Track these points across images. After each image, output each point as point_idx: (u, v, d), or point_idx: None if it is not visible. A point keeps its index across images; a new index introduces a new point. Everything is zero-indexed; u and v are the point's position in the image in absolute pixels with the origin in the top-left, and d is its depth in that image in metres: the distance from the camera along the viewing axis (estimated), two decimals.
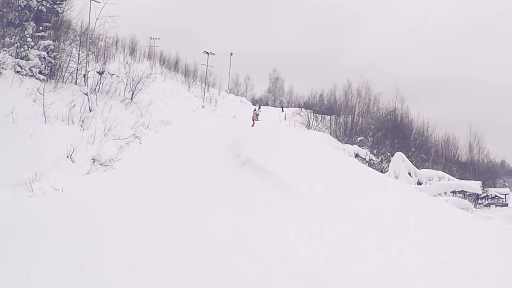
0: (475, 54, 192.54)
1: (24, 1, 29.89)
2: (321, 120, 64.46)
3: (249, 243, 12.32)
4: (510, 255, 13.64)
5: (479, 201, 45.96)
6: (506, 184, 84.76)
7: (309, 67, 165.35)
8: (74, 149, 20.93)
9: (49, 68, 29.28)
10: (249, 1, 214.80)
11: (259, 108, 63.90)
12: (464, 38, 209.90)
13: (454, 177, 48.49)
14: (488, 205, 47.92)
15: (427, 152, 59.08)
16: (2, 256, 10.42)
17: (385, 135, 54.95)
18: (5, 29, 27.73)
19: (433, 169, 48.40)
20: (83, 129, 24.53)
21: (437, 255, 12.64)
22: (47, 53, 28.93)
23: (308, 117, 64.28)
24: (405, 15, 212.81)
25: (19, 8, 29.76)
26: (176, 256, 10.89)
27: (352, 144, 47.40)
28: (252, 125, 50.54)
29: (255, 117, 51.66)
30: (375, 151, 50.01)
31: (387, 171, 40.30)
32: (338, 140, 48.30)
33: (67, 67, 31.32)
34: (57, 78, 29.91)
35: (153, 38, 76.93)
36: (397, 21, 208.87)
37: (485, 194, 48.64)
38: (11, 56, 26.66)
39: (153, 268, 10.04)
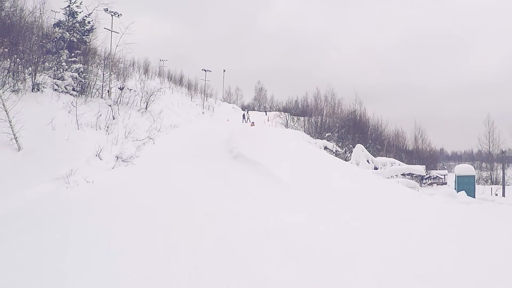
0: (417, 65, 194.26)
1: (59, 34, 30.12)
2: (296, 120, 64.06)
3: (239, 217, 12.45)
4: (447, 222, 13.81)
5: (424, 181, 45.99)
6: (445, 167, 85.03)
7: (287, 79, 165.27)
8: (101, 149, 21.06)
9: (80, 86, 29.33)
10: (238, 29, 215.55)
11: (247, 112, 63.88)
12: (409, 52, 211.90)
13: (403, 162, 48.61)
14: (431, 184, 47.97)
15: (381, 143, 59.08)
16: (48, 235, 10.54)
17: (348, 131, 54.80)
18: (45, 56, 28.02)
19: (386, 156, 48.32)
20: (108, 133, 24.60)
21: (391, 224, 12.79)
22: (78, 74, 29.06)
23: (286, 119, 63.96)
24: (361, 34, 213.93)
25: (55, 39, 30.07)
26: (183, 229, 11.00)
27: (321, 139, 47.24)
28: (252, 124, 50.82)
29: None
30: (340, 144, 49.86)
31: (350, 159, 40.29)
32: (310, 136, 48.00)
33: (94, 84, 31.30)
34: (87, 93, 29.92)
35: (162, 60, 76.19)
36: (355, 40, 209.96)
37: (428, 175, 48.66)
38: (50, 77, 27.02)
39: (166, 239, 10.12)
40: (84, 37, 32.23)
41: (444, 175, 53.71)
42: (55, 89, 26.38)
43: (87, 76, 30.61)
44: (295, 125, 60.49)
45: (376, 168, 39.21)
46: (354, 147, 42.98)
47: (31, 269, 8.23)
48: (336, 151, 45.45)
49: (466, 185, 26.68)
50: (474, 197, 25.06)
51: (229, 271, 8.13)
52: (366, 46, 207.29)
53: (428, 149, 69.69)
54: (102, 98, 31.30)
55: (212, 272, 8.09)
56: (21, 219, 12.13)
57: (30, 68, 24.80)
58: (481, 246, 10.51)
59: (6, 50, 22.49)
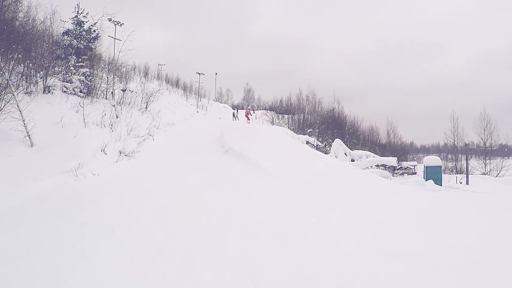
0: (390, 67, 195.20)
1: (68, 41, 30.17)
2: (281, 118, 64.13)
3: (231, 205, 12.52)
4: (418, 207, 13.90)
5: (396, 171, 46.15)
6: (414, 158, 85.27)
7: (272, 81, 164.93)
8: (106, 145, 21.11)
9: (86, 88, 29.36)
10: (230, 36, 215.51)
11: (237, 111, 63.80)
12: (382, 57, 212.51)
13: (377, 155, 48.93)
14: (402, 174, 48.12)
15: (357, 138, 59.26)
16: (60, 223, 10.56)
17: (327, 127, 54.96)
18: (55, 62, 28.13)
19: (362, 150, 48.62)
20: (112, 131, 24.58)
21: (366, 210, 12.90)
22: (85, 77, 29.11)
23: (272, 116, 63.94)
24: (340, 40, 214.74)
25: (64, 46, 30.14)
26: (182, 217, 11.06)
27: (304, 134, 47.38)
28: (248, 121, 50.71)
29: (248, 113, 52.04)
30: (320, 138, 49.96)
31: (329, 152, 40.46)
32: (294, 131, 48.08)
33: (99, 87, 31.28)
34: (93, 95, 29.91)
35: (160, 64, 75.64)
36: (335, 45, 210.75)
37: (399, 166, 48.87)
38: (59, 80, 27.08)
39: (165, 226, 10.19)
40: (90, 44, 32.21)
41: (414, 166, 53.83)
42: (64, 91, 26.43)
43: (93, 79, 30.63)
44: (280, 122, 60.59)
45: (353, 160, 39.43)
46: (333, 142, 43.15)
47: (49, 251, 8.26)
48: (316, 145, 45.54)
49: (433, 174, 26.88)
50: (441, 185, 25.21)
51: (222, 253, 8.18)
52: (344, 51, 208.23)
53: (399, 142, 70.22)
54: (106, 99, 31.22)
55: (207, 255, 8.13)
56: (35, 208, 12.17)
57: (41, 72, 24.86)
58: (449, 228, 10.59)
59: (20, 56, 22.39)
